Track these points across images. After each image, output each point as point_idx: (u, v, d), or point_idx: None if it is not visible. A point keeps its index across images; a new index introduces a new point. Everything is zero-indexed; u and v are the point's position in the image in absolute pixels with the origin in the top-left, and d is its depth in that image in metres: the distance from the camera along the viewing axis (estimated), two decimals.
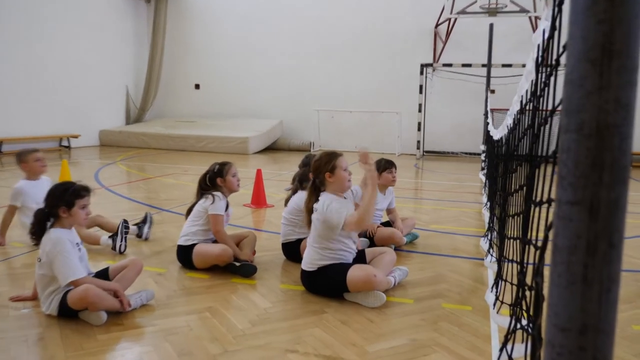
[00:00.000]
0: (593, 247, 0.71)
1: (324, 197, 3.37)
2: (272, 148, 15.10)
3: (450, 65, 13.87)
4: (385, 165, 4.59)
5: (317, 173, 3.43)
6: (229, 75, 16.46)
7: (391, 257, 3.61)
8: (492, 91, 12.59)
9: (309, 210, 3.42)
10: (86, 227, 4.35)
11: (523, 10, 12.71)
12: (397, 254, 4.29)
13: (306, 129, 15.56)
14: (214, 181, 3.97)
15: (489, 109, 10.42)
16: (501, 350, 1.70)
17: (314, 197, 3.43)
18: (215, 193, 3.90)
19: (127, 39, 16.45)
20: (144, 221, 4.74)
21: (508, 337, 1.73)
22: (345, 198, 3.50)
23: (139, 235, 4.64)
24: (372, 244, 4.41)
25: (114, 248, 4.28)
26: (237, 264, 3.75)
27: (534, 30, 12.93)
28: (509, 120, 4.12)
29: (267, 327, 2.91)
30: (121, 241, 4.28)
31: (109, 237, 4.35)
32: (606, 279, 0.72)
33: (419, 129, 14.14)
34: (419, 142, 14.21)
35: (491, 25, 10.57)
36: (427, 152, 14.72)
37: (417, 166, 12.36)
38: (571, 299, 0.72)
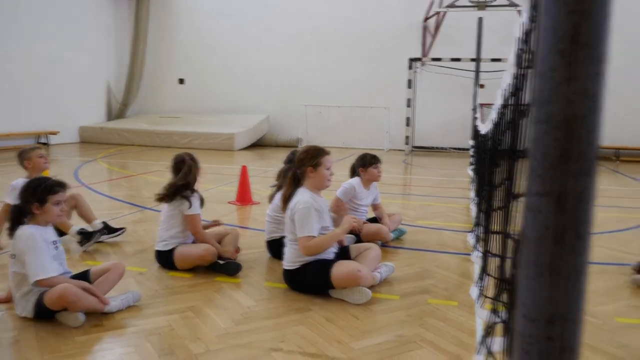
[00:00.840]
0: (560, 238, 0.71)
1: (300, 195, 3.35)
2: (259, 144, 15.02)
3: (439, 59, 13.88)
4: (370, 161, 4.57)
5: (300, 165, 3.42)
6: (215, 70, 16.35)
7: (376, 253, 3.59)
8: (482, 86, 12.62)
9: (286, 200, 3.41)
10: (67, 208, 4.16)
11: (512, 4, 12.74)
12: (384, 250, 4.28)
13: (294, 125, 15.51)
14: (192, 174, 3.82)
15: (478, 103, 10.45)
16: (481, 344, 1.69)
17: (292, 187, 3.42)
18: (191, 196, 3.76)
19: (107, 33, 16.17)
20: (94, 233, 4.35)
21: (488, 330, 1.72)
22: (322, 197, 3.49)
23: (80, 243, 4.27)
24: (359, 240, 4.39)
25: (80, 244, 4.20)
26: (221, 262, 3.70)
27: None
28: (493, 115, 4.11)
29: (251, 326, 2.87)
30: (91, 245, 4.22)
31: (79, 231, 4.25)
32: (573, 270, 0.71)
33: (407, 124, 14.14)
34: (407, 137, 14.21)
35: (480, 20, 10.57)
36: (416, 147, 14.74)
37: (406, 162, 12.37)
38: (539, 289, 0.72)
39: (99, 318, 2.90)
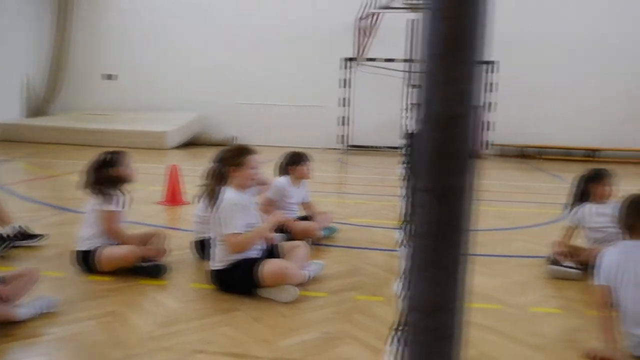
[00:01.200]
0: (442, 233, 0.73)
1: (225, 194, 3.33)
2: (193, 143, 14.70)
3: (373, 59, 14.11)
4: (299, 159, 4.60)
5: (224, 164, 3.41)
6: (147, 66, 15.82)
7: (305, 250, 3.62)
8: (416, 86, 12.94)
9: (209, 199, 3.39)
10: None
11: None
12: (315, 248, 4.31)
13: (228, 123, 15.30)
14: (107, 172, 3.71)
15: (410, 103, 10.72)
16: (392, 337, 1.73)
17: (216, 186, 3.40)
18: (112, 192, 3.66)
19: (25, 23, 15.03)
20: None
21: (399, 324, 1.76)
22: (247, 194, 3.49)
23: None
24: (290, 238, 4.39)
25: None
26: (145, 264, 3.60)
27: None
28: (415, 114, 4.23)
29: (175, 328, 2.81)
30: (2, 251, 3.95)
31: None
32: (454, 263, 0.74)
33: (343, 124, 14.31)
34: (343, 136, 14.39)
35: (412, 22, 10.81)
36: (352, 146, 14.92)
37: (341, 161, 12.51)
38: (423, 281, 0.75)
39: (10, 327, 2.72)
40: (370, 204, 6.79)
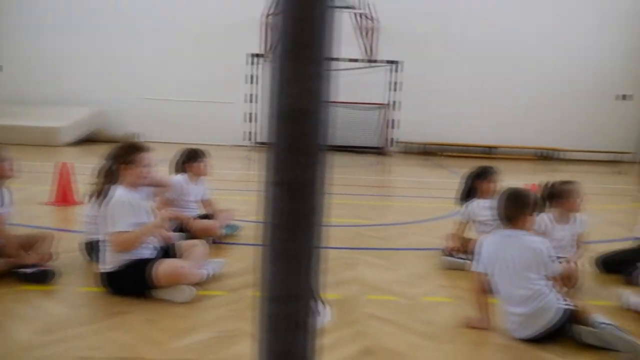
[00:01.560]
0: (292, 225, 0.74)
1: (116, 193, 3.21)
2: (92, 139, 13.93)
3: None
4: (195, 156, 4.52)
5: (114, 160, 3.30)
6: (38, 56, 14.70)
7: (202, 249, 3.55)
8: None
9: (99, 194, 3.27)
10: None
11: (348, 7, 13.43)
12: (216, 247, 4.24)
13: (131, 119, 14.66)
14: None
15: None
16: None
17: (105, 184, 3.29)
18: None
19: None
20: None
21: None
22: (139, 193, 3.37)
23: None
24: (190, 237, 4.27)
25: None
26: (30, 270, 3.34)
27: (358, 26, 13.77)
28: None
29: (59, 335, 2.63)
30: None
31: None
32: (306, 254, 0.75)
33: (250, 120, 14.20)
34: (250, 133, 14.28)
35: None
36: (259, 143, 14.86)
37: (249, 158, 12.40)
38: (275, 272, 0.76)
39: None
40: None
